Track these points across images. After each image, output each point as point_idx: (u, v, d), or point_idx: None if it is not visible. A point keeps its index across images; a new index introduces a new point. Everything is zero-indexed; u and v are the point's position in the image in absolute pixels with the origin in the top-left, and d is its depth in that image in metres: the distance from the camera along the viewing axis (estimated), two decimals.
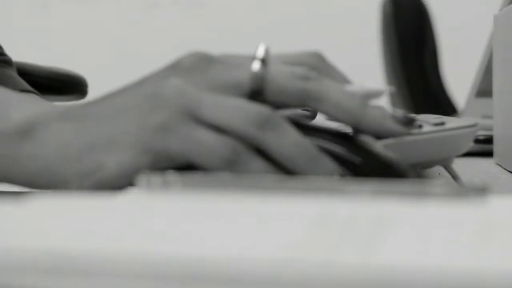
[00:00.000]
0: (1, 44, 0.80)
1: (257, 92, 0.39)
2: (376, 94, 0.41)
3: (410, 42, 2.10)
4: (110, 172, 0.37)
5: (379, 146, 0.40)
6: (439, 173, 0.56)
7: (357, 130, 0.40)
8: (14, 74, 0.78)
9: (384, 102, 2.13)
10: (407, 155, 0.47)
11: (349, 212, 0.26)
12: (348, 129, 0.41)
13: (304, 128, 0.38)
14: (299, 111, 0.59)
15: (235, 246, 0.21)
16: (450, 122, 0.48)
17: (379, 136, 0.42)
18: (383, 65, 2.20)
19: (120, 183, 0.37)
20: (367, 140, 0.40)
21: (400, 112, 0.41)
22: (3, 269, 0.20)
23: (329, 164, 0.38)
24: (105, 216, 0.26)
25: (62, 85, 1.01)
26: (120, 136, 0.38)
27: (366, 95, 0.40)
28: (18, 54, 0.83)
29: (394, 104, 2.18)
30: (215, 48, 0.45)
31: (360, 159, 0.39)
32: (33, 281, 0.20)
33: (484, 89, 1.03)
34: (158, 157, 0.37)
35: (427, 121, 0.48)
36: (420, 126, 0.47)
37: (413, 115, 0.57)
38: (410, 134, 0.41)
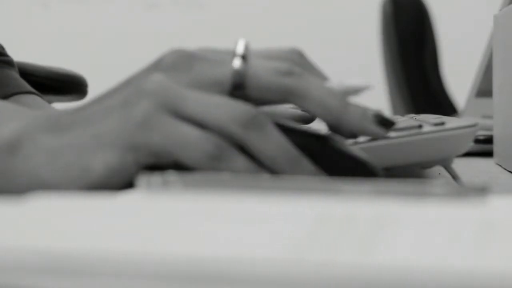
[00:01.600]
0: (2, 45, 0.80)
1: (239, 89, 0.39)
2: (356, 91, 0.41)
3: (410, 42, 2.10)
4: (98, 173, 0.37)
5: (352, 147, 0.40)
6: (439, 173, 0.56)
7: (334, 128, 0.40)
8: (15, 75, 0.78)
9: (383, 102, 2.14)
10: (408, 155, 0.47)
11: (349, 212, 0.26)
12: (324, 129, 0.41)
13: (281, 128, 0.38)
14: (297, 111, 0.59)
15: (235, 246, 0.21)
16: (450, 122, 0.48)
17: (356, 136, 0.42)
18: (383, 65, 2.20)
19: (109, 182, 0.37)
20: (341, 140, 0.40)
21: (382, 113, 0.41)
22: (3, 269, 0.21)
23: (309, 166, 0.38)
24: (105, 216, 0.26)
25: (62, 85, 1.01)
26: (104, 136, 0.38)
27: (346, 92, 0.40)
28: (18, 54, 0.83)
29: (394, 104, 2.18)
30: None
31: (333, 159, 0.39)
32: (33, 281, 0.20)
33: (484, 89, 1.03)
34: (142, 154, 0.37)
35: (427, 121, 0.48)
36: (420, 126, 0.47)
37: (412, 115, 0.58)
38: (386, 136, 0.41)
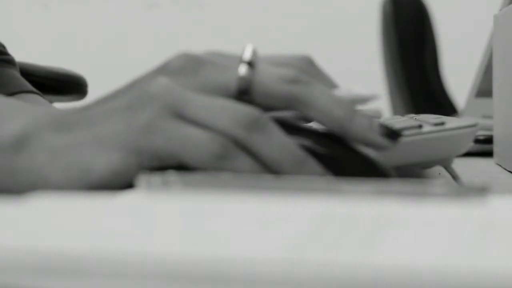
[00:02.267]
0: (3, 44, 0.80)
1: (244, 94, 0.39)
2: (364, 100, 0.41)
3: (410, 42, 2.10)
4: (99, 175, 0.37)
5: (362, 146, 0.40)
6: (439, 173, 0.56)
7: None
8: (17, 74, 0.78)
9: (383, 102, 2.14)
10: (408, 155, 0.47)
11: (349, 212, 0.26)
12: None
13: (289, 127, 0.38)
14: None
15: (235, 246, 0.21)
16: (450, 122, 0.48)
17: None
18: (383, 65, 2.20)
19: (110, 184, 0.37)
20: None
21: (388, 125, 0.40)
22: (3, 269, 0.21)
23: (316, 167, 0.38)
24: (105, 216, 0.26)
25: (62, 85, 1.01)
26: (107, 138, 0.38)
27: (353, 101, 0.40)
28: (18, 54, 0.83)
29: (394, 104, 2.18)
30: (214, 48, 0.45)
31: (342, 159, 0.39)
32: (33, 281, 0.20)
33: (484, 89, 1.03)
34: (146, 156, 0.37)
35: (427, 121, 0.48)
36: (420, 126, 0.47)
37: (412, 115, 0.58)
38: (392, 147, 0.40)
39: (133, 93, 0.38)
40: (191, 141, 0.37)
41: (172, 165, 0.37)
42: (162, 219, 0.25)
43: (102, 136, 0.38)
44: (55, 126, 0.39)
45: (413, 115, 0.58)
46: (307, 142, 0.38)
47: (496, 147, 0.68)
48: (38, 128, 0.39)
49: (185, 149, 0.37)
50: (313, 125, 0.41)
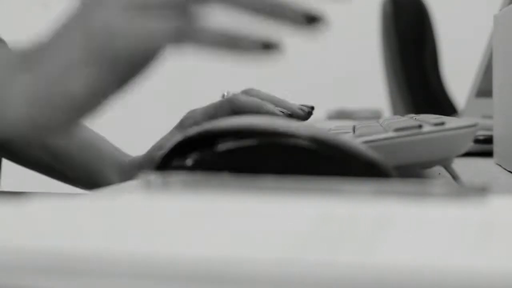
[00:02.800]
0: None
1: None
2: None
3: (410, 42, 2.10)
4: (79, 94, 0.37)
5: (363, 146, 0.40)
6: (439, 173, 0.56)
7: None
8: None
9: (383, 102, 2.13)
10: (408, 155, 0.47)
11: (349, 212, 0.26)
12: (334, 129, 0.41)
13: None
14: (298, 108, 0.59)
15: (235, 246, 0.21)
16: (450, 122, 0.48)
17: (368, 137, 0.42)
18: (383, 65, 2.20)
19: (95, 101, 0.38)
20: (352, 140, 0.40)
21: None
22: (3, 269, 0.21)
23: (249, 36, 0.38)
24: (105, 216, 0.26)
25: None
26: (73, 56, 0.38)
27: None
28: None
29: (394, 104, 2.18)
30: None
31: (342, 159, 0.39)
32: (33, 281, 0.20)
33: (484, 89, 1.03)
34: (113, 62, 0.37)
35: (427, 121, 0.48)
36: (420, 126, 0.47)
37: (412, 115, 0.58)
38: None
39: (84, 1, 0.39)
40: (145, 28, 0.37)
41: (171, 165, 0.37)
42: (162, 219, 0.25)
43: (67, 59, 0.38)
44: (23, 67, 0.39)
45: (413, 115, 0.58)
46: (307, 143, 0.38)
47: (496, 147, 0.68)
48: (9, 72, 0.40)
49: (142, 38, 0.37)
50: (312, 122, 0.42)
